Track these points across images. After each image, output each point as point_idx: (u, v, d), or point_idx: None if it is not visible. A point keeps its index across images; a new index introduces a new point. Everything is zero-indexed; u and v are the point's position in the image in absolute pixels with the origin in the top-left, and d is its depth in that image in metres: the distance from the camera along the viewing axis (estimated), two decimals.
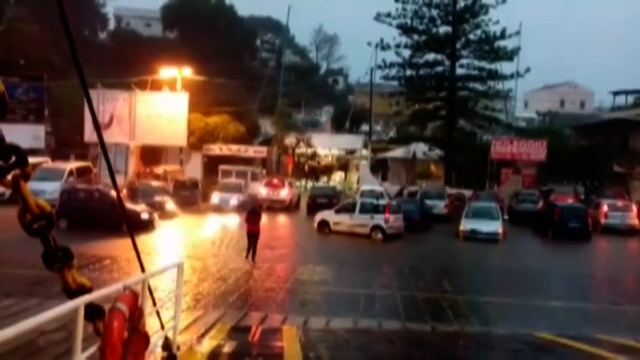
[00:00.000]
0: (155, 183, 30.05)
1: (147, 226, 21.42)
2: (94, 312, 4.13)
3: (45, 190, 20.93)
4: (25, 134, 30.80)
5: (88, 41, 53.39)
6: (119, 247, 17.43)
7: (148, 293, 5.02)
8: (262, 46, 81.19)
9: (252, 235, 16.97)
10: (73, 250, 4.14)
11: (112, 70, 39.81)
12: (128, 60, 45.81)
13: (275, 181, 33.42)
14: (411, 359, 8.00)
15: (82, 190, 23.31)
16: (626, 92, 54.41)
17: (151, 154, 38.42)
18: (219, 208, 29.35)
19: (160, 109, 35.83)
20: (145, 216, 21.74)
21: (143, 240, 18.25)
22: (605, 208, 28.84)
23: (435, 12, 41.89)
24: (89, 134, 34.89)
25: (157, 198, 25.85)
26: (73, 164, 31.41)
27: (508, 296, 14.85)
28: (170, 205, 26.26)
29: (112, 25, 71.38)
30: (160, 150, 39.35)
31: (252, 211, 17.67)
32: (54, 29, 42.14)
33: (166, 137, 35.91)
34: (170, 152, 39.48)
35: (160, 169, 35.15)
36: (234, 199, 30.05)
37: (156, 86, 38.15)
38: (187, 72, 39.20)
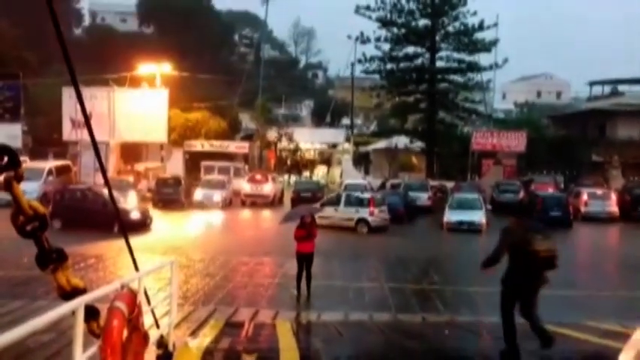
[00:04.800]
0: (123, 179, 29.64)
1: (138, 225, 20.68)
2: (89, 312, 4.04)
3: (24, 190, 20.39)
4: (0, 133, 30.22)
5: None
6: (107, 246, 17.18)
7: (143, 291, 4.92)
8: (240, 40, 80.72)
9: (305, 258, 12.40)
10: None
11: (89, 66, 39.13)
12: (105, 56, 45.14)
13: (258, 176, 33.30)
14: (406, 350, 8.01)
15: (75, 190, 23.05)
16: (603, 82, 55.25)
17: (132, 152, 37.95)
18: (203, 205, 29.15)
19: (140, 105, 35.41)
20: (135, 215, 21.29)
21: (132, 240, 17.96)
22: (585, 196, 29.32)
23: (413, 5, 42.14)
24: (67, 132, 34.42)
25: (119, 192, 25.32)
26: (52, 163, 30.91)
27: (495, 285, 14.95)
28: (130, 199, 25.52)
29: (86, 20, 70.34)
30: (141, 147, 38.88)
31: (303, 225, 12.40)
32: (25, 26, 41.26)
33: (147, 134, 35.54)
34: (151, 149, 39.04)
35: (141, 167, 34.73)
36: (217, 195, 29.91)
37: (134, 82, 37.63)
38: (166, 68, 38.75)
